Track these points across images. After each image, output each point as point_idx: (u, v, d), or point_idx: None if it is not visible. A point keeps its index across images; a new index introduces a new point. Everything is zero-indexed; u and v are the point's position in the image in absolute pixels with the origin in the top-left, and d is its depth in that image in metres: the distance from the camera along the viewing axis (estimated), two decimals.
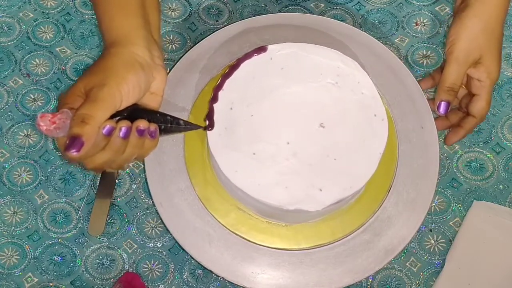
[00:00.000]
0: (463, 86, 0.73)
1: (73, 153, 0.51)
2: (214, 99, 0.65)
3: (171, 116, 0.59)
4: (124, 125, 0.54)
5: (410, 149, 0.71)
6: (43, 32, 0.81)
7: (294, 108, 0.65)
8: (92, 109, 0.52)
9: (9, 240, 0.71)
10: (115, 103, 0.54)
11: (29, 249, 0.71)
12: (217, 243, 0.68)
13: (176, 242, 0.70)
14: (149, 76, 0.58)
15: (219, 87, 0.66)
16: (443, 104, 0.71)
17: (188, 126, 0.61)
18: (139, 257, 0.71)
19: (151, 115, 0.57)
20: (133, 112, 0.56)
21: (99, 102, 0.53)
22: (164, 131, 0.58)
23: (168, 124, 0.58)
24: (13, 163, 0.74)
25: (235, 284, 0.69)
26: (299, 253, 0.67)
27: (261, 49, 0.67)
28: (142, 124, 0.55)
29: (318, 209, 0.61)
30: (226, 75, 0.66)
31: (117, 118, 0.55)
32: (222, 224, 0.68)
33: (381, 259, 0.67)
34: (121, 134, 0.54)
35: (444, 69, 0.71)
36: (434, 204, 0.73)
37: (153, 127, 0.57)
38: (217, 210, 0.68)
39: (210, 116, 0.64)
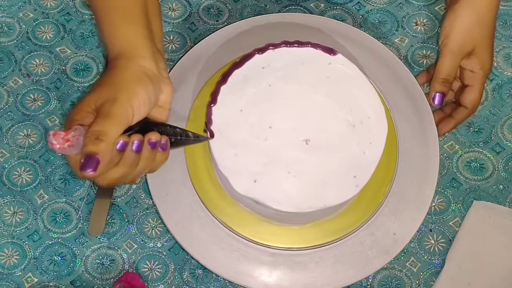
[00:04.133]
0: (457, 79, 0.74)
1: (89, 172, 0.50)
2: (262, 50, 0.66)
3: (180, 129, 0.58)
4: (136, 138, 0.53)
5: (410, 149, 0.71)
6: (43, 32, 0.81)
7: (300, 110, 0.64)
8: (105, 125, 0.51)
9: (9, 240, 0.71)
10: (128, 118, 0.53)
11: (29, 249, 0.71)
12: (217, 242, 0.68)
13: (176, 242, 0.70)
14: (158, 89, 0.57)
15: (276, 45, 0.66)
16: (438, 96, 0.72)
17: (197, 138, 0.61)
18: (139, 257, 0.71)
19: (161, 127, 0.57)
20: (144, 126, 0.55)
21: (112, 118, 0.52)
22: (174, 144, 0.57)
23: (177, 136, 0.58)
24: (13, 163, 0.74)
25: (235, 284, 0.69)
26: (299, 253, 0.67)
27: (331, 51, 0.66)
28: (154, 136, 0.54)
29: (240, 192, 0.61)
30: (288, 44, 0.67)
31: (129, 132, 0.54)
32: (222, 223, 0.68)
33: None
34: (134, 147, 0.53)
35: (439, 61, 0.72)
36: (434, 204, 0.73)
37: (164, 139, 0.56)
38: (217, 209, 0.68)
39: (209, 118, 0.64)
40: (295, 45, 0.67)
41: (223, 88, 0.65)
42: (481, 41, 0.71)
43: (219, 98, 0.64)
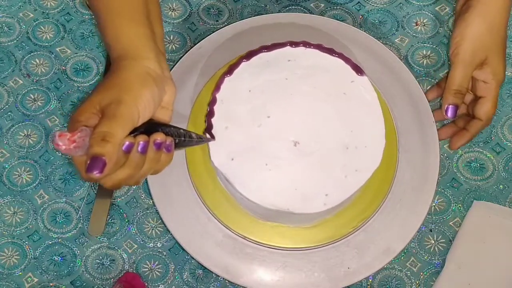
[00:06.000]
0: (470, 91, 0.72)
1: (96, 174, 0.50)
2: (296, 44, 0.66)
3: (184, 130, 0.58)
4: (142, 139, 0.53)
5: (410, 149, 0.71)
6: (43, 32, 0.81)
7: (303, 113, 0.64)
8: (111, 126, 0.51)
9: (9, 240, 0.71)
10: (134, 120, 0.53)
11: (29, 249, 0.71)
12: (217, 242, 0.68)
13: (176, 242, 0.70)
14: (162, 90, 0.57)
15: (310, 45, 0.67)
16: (450, 108, 0.70)
17: (200, 139, 0.61)
18: (139, 257, 0.71)
19: (165, 128, 0.57)
20: (148, 127, 0.55)
21: (118, 119, 0.51)
22: (177, 145, 0.57)
23: (181, 137, 0.58)
24: (13, 163, 0.74)
25: (235, 284, 0.69)
26: (299, 253, 0.67)
27: (359, 70, 0.66)
28: (159, 137, 0.54)
29: (214, 163, 0.62)
30: (322, 48, 0.67)
31: (134, 134, 0.53)
32: (222, 223, 0.68)
33: (381, 259, 0.67)
34: (139, 148, 0.53)
35: (450, 71, 0.70)
36: (434, 204, 0.73)
37: (169, 140, 0.56)
38: (218, 209, 0.68)
39: (218, 86, 0.65)
40: (328, 51, 0.66)
41: (243, 64, 0.66)
42: (493, 50, 0.69)
43: (236, 71, 0.65)
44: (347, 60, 0.66)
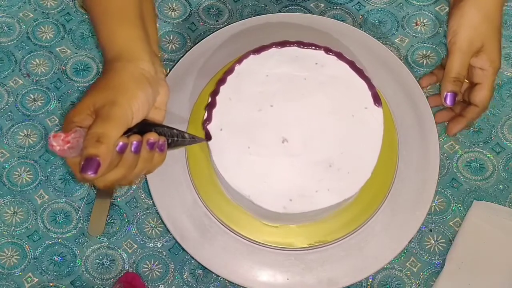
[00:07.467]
0: (465, 80, 0.73)
1: (90, 174, 0.50)
2: (331, 51, 0.67)
3: (177, 130, 0.59)
4: (135, 139, 0.53)
5: (410, 149, 0.71)
6: (43, 32, 0.81)
7: (304, 116, 0.64)
8: (106, 127, 0.51)
9: (9, 240, 0.71)
10: (128, 121, 0.53)
11: (29, 249, 0.71)
12: (217, 242, 0.68)
13: (176, 242, 0.70)
14: (155, 91, 0.57)
15: (343, 58, 0.67)
16: (449, 95, 0.71)
17: (192, 139, 0.61)
18: (139, 257, 0.71)
19: (158, 128, 0.57)
20: (141, 127, 0.55)
21: (112, 120, 0.52)
22: (170, 145, 0.58)
23: (174, 137, 0.58)
24: (13, 163, 0.74)
25: (235, 284, 0.69)
26: (299, 253, 0.67)
27: (377, 100, 0.64)
28: (152, 137, 0.54)
29: (209, 141, 0.63)
30: (353, 66, 0.66)
31: (127, 134, 0.54)
32: (222, 223, 0.68)
33: (381, 259, 0.67)
34: (132, 148, 0.53)
35: (448, 60, 0.71)
36: (434, 204, 0.73)
37: (162, 140, 0.56)
38: (217, 209, 0.68)
39: (241, 59, 0.66)
40: (357, 71, 0.66)
41: (273, 49, 0.66)
42: (489, 37, 0.70)
43: (263, 53, 0.66)
44: (371, 86, 0.65)
